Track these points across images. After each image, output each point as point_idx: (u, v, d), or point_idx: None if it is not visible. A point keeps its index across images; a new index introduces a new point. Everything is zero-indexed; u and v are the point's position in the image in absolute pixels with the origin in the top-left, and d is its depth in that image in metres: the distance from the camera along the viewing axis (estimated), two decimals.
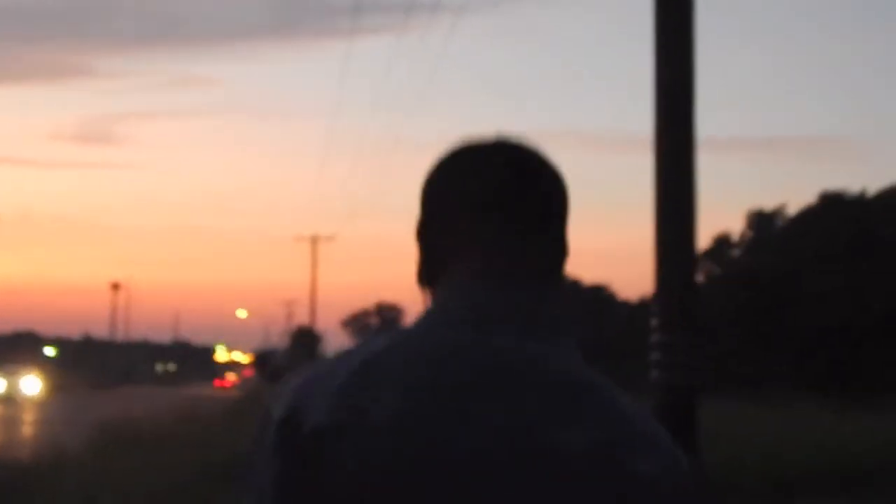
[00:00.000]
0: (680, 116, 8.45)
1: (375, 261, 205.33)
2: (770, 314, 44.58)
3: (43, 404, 51.66)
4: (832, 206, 47.84)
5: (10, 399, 56.58)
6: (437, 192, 1.69)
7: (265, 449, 1.56)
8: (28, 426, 33.17)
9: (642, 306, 57.29)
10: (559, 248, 1.68)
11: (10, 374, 63.33)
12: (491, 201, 1.64)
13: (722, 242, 56.22)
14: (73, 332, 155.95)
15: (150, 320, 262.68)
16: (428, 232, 1.70)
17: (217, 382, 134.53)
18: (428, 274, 1.69)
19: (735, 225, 60.80)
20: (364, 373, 1.54)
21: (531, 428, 1.49)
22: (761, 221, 55.54)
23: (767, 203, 71.87)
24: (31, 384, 63.47)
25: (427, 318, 1.61)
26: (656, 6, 8.44)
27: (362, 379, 1.53)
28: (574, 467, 1.47)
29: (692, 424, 8.32)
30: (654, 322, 8.62)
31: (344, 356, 1.60)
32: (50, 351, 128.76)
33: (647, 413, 1.58)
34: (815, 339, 42.32)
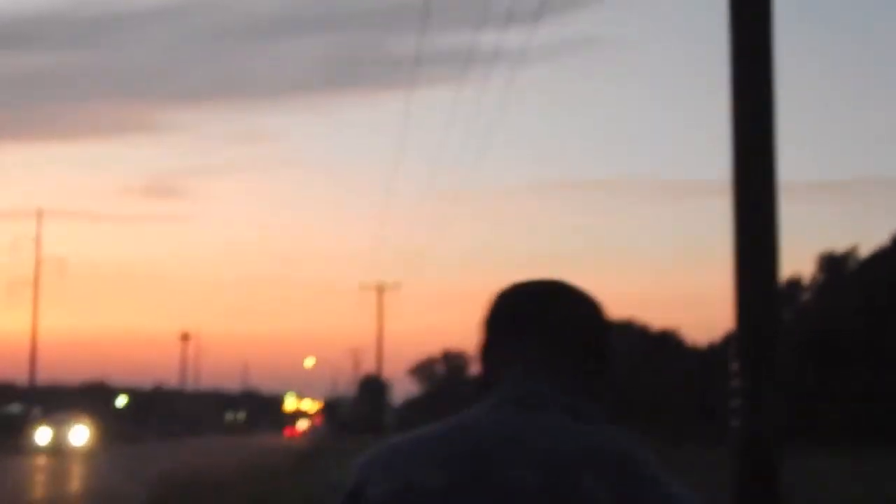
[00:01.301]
0: (759, 159, 8.13)
1: (441, 308, 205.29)
2: (843, 361, 43.63)
3: (93, 455, 49.82)
4: None
5: (58, 450, 53.60)
6: (489, 321, 2.05)
7: None
8: (79, 479, 32.64)
9: (711, 351, 56.49)
10: (591, 358, 1.98)
11: (58, 424, 59.11)
12: (523, 327, 1.99)
13: (792, 286, 55.36)
14: (144, 382, 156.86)
15: (219, 370, 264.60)
16: (486, 351, 2.04)
17: (287, 431, 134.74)
18: (486, 383, 1.99)
19: (805, 268, 60.04)
20: (419, 449, 1.85)
21: (562, 489, 1.74)
22: (832, 264, 54.65)
23: (839, 245, 70.86)
24: (80, 434, 59.25)
25: (479, 406, 1.92)
26: (732, 49, 8.12)
27: (416, 455, 1.84)
28: None
29: (775, 477, 7.91)
30: (733, 366, 8.22)
31: (409, 436, 1.90)
32: (122, 400, 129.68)
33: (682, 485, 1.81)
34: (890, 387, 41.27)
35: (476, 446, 1.81)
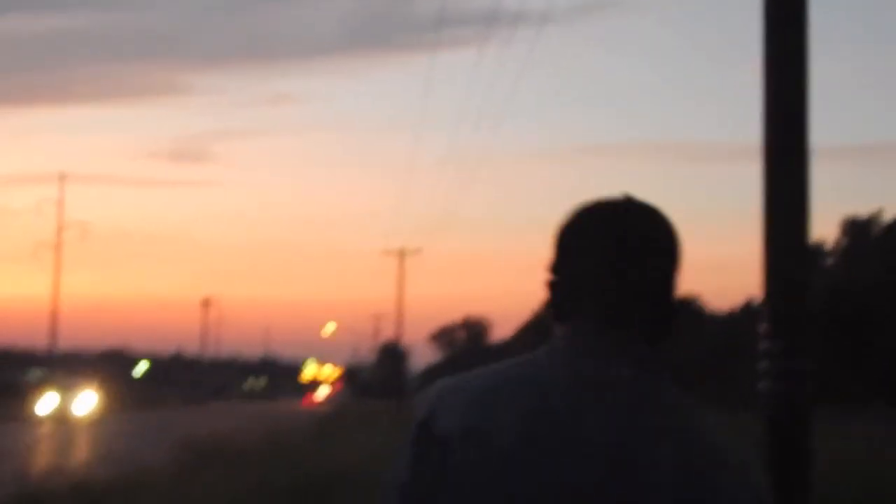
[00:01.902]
0: (792, 124, 7.89)
1: (463, 274, 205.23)
2: (864, 325, 43.25)
3: (100, 423, 46.17)
4: None
5: (62, 419, 49.47)
6: (564, 245, 1.97)
7: (406, 447, 1.90)
8: (101, 445, 32.38)
9: (732, 318, 56.23)
10: (669, 301, 1.94)
11: (65, 390, 54.62)
12: (610, 261, 1.91)
13: (815, 250, 54.94)
14: (165, 348, 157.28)
15: (239, 336, 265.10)
16: (557, 275, 1.97)
17: (308, 399, 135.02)
18: (555, 313, 1.96)
19: (829, 233, 59.50)
20: (489, 392, 1.87)
21: (630, 445, 1.78)
22: (856, 228, 54.16)
23: (863, 210, 70.16)
24: (86, 401, 55.18)
25: (549, 352, 1.93)
26: (765, 14, 7.84)
27: (487, 397, 1.86)
28: (664, 480, 1.76)
29: (806, 438, 7.64)
30: (762, 327, 7.94)
31: (479, 374, 1.93)
32: (143, 366, 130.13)
33: (726, 438, 1.86)
34: None
35: (545, 395, 1.84)
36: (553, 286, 1.97)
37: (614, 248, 1.92)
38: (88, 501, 13.61)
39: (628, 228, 1.93)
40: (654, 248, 1.94)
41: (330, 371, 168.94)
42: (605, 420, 1.81)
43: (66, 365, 75.81)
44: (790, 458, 7.76)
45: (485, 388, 1.88)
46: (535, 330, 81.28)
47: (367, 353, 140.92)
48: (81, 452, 28.57)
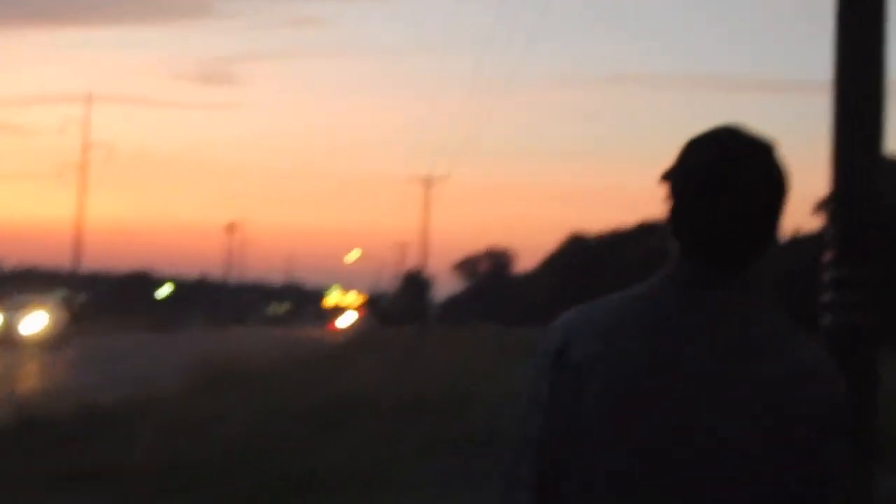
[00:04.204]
0: (867, 57, 7.25)
1: (488, 203, 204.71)
2: None
3: (51, 347, 41.04)
4: None
5: (5, 341, 43.58)
6: (676, 173, 2.13)
7: (544, 372, 2.13)
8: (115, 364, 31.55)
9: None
10: (773, 233, 2.10)
11: (12, 310, 48.06)
12: (703, 190, 2.07)
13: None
14: (190, 272, 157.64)
15: (263, 261, 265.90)
16: (675, 209, 2.12)
17: (331, 325, 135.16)
18: (670, 233, 2.14)
19: None
20: (616, 318, 2.10)
21: (742, 358, 2.04)
22: None
23: None
24: (35, 322, 48.01)
25: (661, 281, 2.13)
26: None
27: (614, 322, 2.09)
28: (770, 392, 2.02)
29: (875, 378, 6.99)
30: (828, 255, 7.23)
31: (603, 305, 2.15)
32: (167, 289, 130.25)
33: (821, 348, 2.15)
34: None
35: (663, 324, 2.07)
36: (672, 212, 2.12)
37: (703, 176, 2.08)
38: (90, 425, 13.00)
39: (752, 167, 2.07)
40: (772, 186, 2.08)
41: (353, 298, 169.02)
42: (716, 341, 2.06)
43: (90, 286, 75.16)
44: (857, 398, 7.07)
45: (611, 319, 2.11)
46: (560, 261, 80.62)
47: (390, 280, 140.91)
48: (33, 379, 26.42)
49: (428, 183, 76.75)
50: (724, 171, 2.06)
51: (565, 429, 2.09)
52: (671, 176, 2.13)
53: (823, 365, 2.09)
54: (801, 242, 51.39)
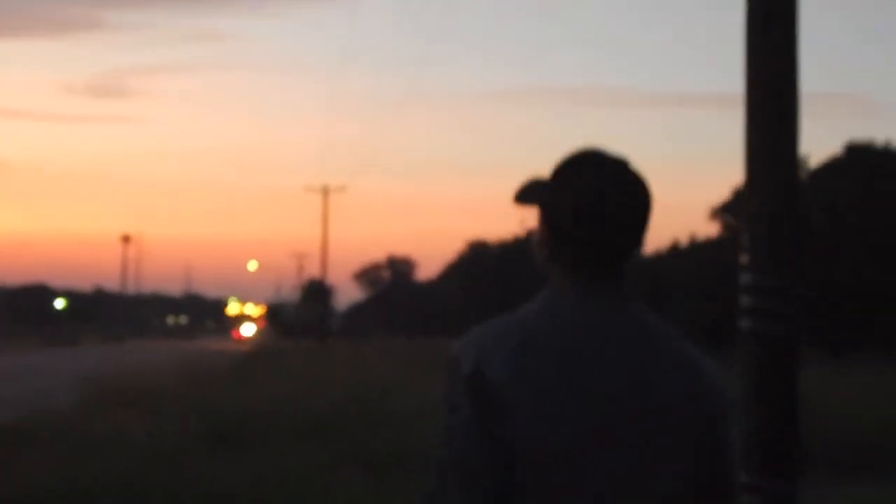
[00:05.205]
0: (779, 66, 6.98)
1: (386, 214, 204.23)
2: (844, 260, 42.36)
3: None
4: (856, 156, 45.64)
5: None
6: (551, 200, 2.23)
7: (459, 395, 2.14)
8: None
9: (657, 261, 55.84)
10: (641, 240, 2.24)
11: None
12: (585, 215, 2.18)
13: (740, 196, 54.42)
14: (85, 284, 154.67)
15: (161, 273, 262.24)
16: (545, 223, 2.25)
17: (235, 335, 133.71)
18: (549, 254, 2.26)
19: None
20: (527, 340, 2.15)
21: (648, 370, 2.18)
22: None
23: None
24: None
25: (555, 297, 2.23)
26: None
27: (526, 345, 2.15)
28: (675, 402, 2.18)
29: (792, 383, 6.78)
30: (743, 259, 7.01)
31: (508, 323, 2.20)
32: (60, 303, 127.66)
33: (721, 373, 2.29)
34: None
35: (573, 337, 2.17)
36: (553, 236, 2.24)
37: (614, 205, 2.18)
38: None
39: (626, 187, 2.21)
40: (646, 201, 2.23)
41: (253, 309, 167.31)
42: (624, 351, 2.18)
43: None
44: (776, 402, 6.90)
45: (522, 337, 2.17)
46: (460, 270, 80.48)
47: (290, 291, 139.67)
48: None
49: (325, 192, 76.14)
50: (606, 196, 2.18)
51: (498, 452, 2.09)
52: (543, 202, 2.23)
53: (711, 370, 2.26)
54: (699, 247, 52.07)
